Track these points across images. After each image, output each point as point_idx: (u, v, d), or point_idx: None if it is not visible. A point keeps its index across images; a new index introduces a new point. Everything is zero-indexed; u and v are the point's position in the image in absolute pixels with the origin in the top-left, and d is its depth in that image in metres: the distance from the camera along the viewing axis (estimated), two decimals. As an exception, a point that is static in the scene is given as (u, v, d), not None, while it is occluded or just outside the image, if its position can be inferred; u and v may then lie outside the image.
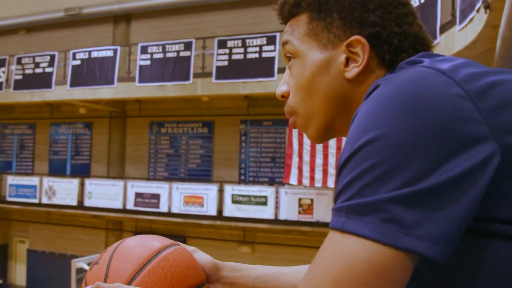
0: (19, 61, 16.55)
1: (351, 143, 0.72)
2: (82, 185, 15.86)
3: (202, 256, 1.12)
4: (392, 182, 0.67)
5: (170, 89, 14.11)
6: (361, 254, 0.66)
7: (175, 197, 14.32)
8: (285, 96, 0.99)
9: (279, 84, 1.00)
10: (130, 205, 14.93)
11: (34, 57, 16.37)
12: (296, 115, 0.98)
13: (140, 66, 14.51)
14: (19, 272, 18.60)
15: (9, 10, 18.52)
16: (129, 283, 0.95)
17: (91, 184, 15.71)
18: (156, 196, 14.60)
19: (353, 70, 0.90)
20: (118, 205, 15.06)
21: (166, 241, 1.05)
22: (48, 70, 15.97)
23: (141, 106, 16.64)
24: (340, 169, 0.73)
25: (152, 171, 16.66)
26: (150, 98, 15.23)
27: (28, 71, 16.31)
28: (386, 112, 0.70)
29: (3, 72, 16.95)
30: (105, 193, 15.30)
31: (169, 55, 14.20)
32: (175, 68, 14.00)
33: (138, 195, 14.86)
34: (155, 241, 1.04)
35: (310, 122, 0.96)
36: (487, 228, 0.71)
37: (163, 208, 14.46)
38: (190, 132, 16.20)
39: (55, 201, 16.08)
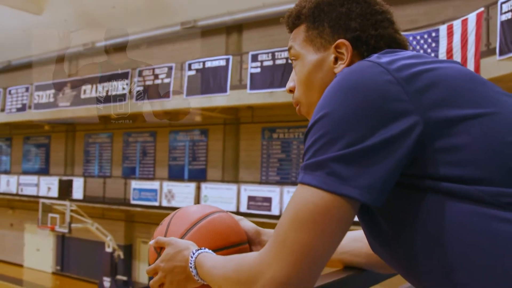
0: (140, 73, 17.66)
1: (310, 121, 0.97)
2: (198, 189, 16.61)
3: (246, 224, 1.42)
4: (335, 146, 0.90)
5: (280, 95, 14.43)
6: (310, 198, 0.90)
7: (286, 200, 14.52)
8: (292, 91, 1.24)
9: (288, 81, 1.25)
10: (243, 208, 15.40)
11: (153, 69, 17.39)
12: (300, 104, 1.22)
13: (251, 74, 14.98)
14: (142, 271, 19.73)
15: (133, 27, 19.85)
16: (181, 238, 1.26)
17: (207, 188, 16.41)
18: (268, 200, 14.97)
19: (340, 67, 1.13)
20: (232, 208, 15.57)
21: (216, 209, 1.36)
22: (166, 81, 16.93)
23: (253, 113, 17.13)
24: (304, 140, 0.98)
25: (264, 175, 17.09)
26: (261, 105, 15.65)
27: (148, 82, 17.39)
28: (332, 96, 0.95)
29: (127, 84, 18.14)
30: (220, 197, 15.90)
31: (278, 62, 14.55)
32: (284, 75, 14.29)
33: (250, 198, 15.31)
34: (206, 208, 1.34)
35: (311, 110, 1.17)
36: (422, 184, 0.92)
37: (275, 211, 14.78)
38: (301, 137, 16.39)
39: (173, 204, 16.89)
